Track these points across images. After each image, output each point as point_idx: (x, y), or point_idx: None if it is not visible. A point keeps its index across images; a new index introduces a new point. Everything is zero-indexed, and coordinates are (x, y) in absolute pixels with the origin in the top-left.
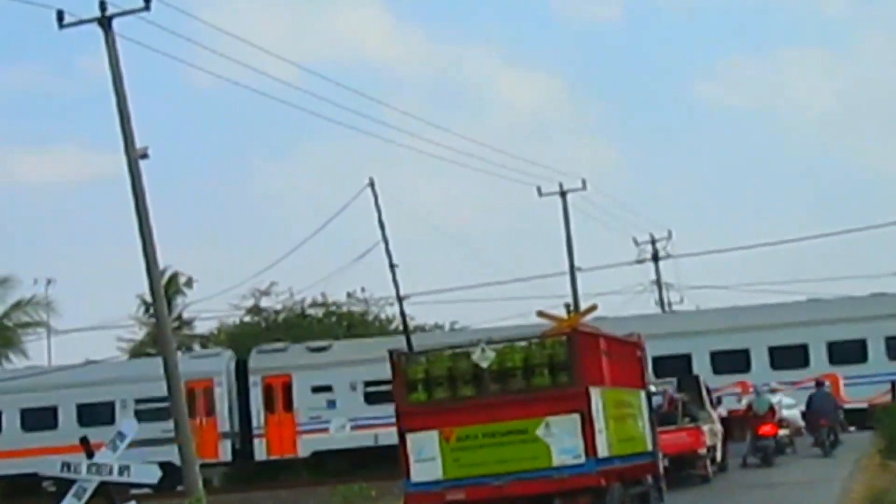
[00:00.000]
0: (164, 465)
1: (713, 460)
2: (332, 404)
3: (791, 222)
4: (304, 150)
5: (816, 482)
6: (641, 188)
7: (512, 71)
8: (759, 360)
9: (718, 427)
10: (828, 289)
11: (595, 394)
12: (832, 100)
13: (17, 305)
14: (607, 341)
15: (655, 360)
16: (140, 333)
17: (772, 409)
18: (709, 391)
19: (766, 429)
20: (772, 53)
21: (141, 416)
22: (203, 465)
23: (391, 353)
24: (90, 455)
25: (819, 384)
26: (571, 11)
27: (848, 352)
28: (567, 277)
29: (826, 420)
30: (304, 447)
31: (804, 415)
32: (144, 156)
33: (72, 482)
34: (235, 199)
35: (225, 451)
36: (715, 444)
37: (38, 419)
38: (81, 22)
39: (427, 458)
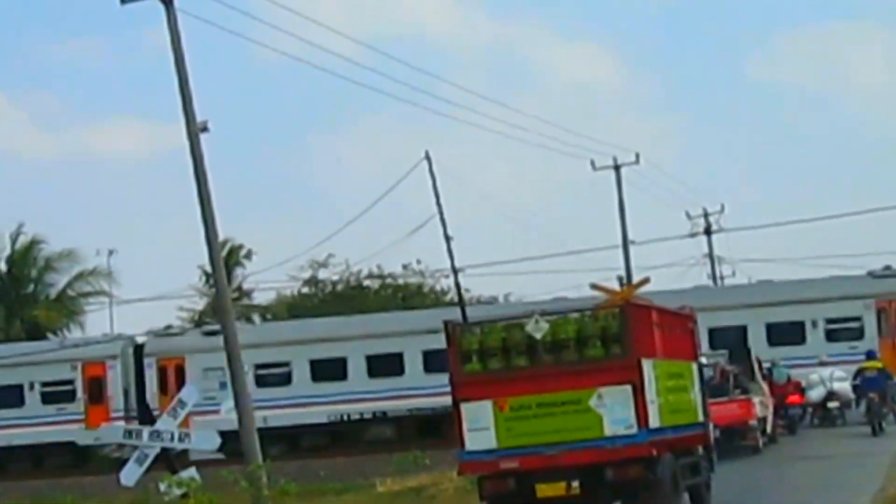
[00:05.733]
0: None
1: (763, 431)
2: (223, 386)
3: (843, 196)
4: (361, 124)
5: (866, 454)
6: (694, 162)
7: (567, 45)
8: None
9: (769, 399)
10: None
11: (647, 365)
12: (886, 73)
13: (80, 276)
14: (659, 314)
15: None
16: (201, 304)
17: (789, 380)
18: (760, 364)
19: (793, 398)
20: (824, 27)
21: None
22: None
23: (446, 323)
24: (152, 422)
25: (870, 356)
26: None
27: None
28: (620, 251)
29: (875, 393)
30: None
31: (855, 387)
32: (205, 129)
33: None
34: (294, 171)
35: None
36: (765, 415)
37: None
38: None
39: (481, 427)
